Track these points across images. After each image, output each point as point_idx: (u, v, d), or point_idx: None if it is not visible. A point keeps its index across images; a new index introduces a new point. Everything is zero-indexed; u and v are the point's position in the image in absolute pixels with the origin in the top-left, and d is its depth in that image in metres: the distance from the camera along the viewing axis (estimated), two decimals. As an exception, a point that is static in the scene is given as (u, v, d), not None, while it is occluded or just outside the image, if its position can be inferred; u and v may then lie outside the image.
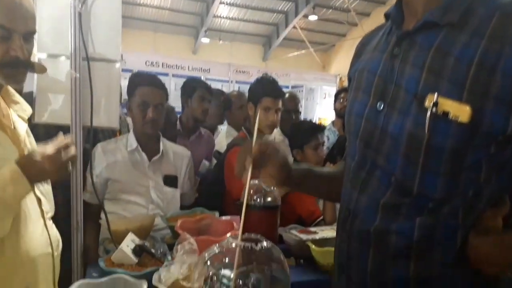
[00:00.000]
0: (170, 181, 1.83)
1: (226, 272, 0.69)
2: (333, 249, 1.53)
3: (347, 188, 0.80)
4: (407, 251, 0.68)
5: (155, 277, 1.18)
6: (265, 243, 0.73)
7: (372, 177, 0.73)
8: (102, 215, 1.78)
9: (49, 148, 0.93)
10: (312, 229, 1.80)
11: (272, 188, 1.53)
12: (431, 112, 0.64)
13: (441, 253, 0.67)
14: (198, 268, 0.73)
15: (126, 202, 1.74)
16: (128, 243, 1.33)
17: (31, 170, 0.92)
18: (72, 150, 0.98)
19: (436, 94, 0.63)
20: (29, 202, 1.02)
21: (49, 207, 1.12)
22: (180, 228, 1.41)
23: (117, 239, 1.41)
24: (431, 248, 0.67)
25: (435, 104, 0.63)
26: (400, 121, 0.68)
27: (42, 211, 1.07)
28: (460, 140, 0.63)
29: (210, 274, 0.70)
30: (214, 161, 2.40)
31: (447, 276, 0.67)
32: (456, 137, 0.63)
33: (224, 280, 0.68)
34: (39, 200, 1.06)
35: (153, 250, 1.38)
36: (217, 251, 0.73)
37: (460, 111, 0.62)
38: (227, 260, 0.71)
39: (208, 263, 0.72)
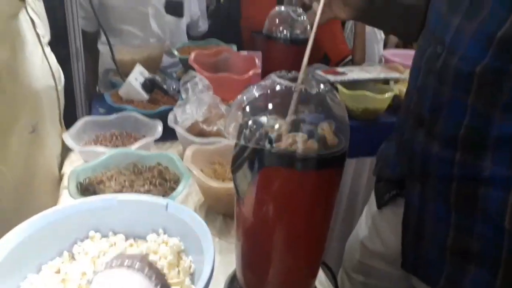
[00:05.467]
0: (173, 7, 1.56)
1: (268, 120, 0.52)
2: (365, 92, 1.39)
3: (441, 12, 0.58)
4: None
5: (170, 117, 1.04)
6: (322, 86, 0.54)
7: None
8: (100, 45, 1.58)
9: None
10: (339, 69, 1.61)
11: (301, 17, 1.28)
12: None
13: None
14: (231, 114, 0.56)
15: (122, 33, 1.52)
16: (137, 76, 1.15)
17: None
18: None
19: None
20: (24, 23, 0.82)
21: (44, 30, 0.93)
22: (195, 61, 1.22)
23: (122, 70, 1.23)
24: None
25: None
26: None
27: (37, 35, 0.87)
28: None
29: (250, 123, 0.53)
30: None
31: None
32: None
33: (265, 136, 0.52)
34: (32, 22, 0.86)
35: (165, 86, 1.22)
36: (256, 94, 0.55)
37: None
38: (270, 106, 0.53)
39: (247, 109, 0.54)
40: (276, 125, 0.53)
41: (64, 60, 1.35)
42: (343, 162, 0.54)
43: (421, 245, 0.63)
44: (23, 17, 0.82)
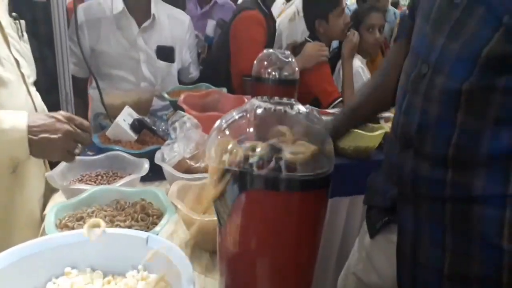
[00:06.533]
0: (165, 53, 1.58)
1: (248, 144, 0.51)
2: (355, 131, 1.40)
3: (425, 33, 0.59)
4: None
5: (157, 155, 1.03)
6: (301, 107, 0.54)
7: (470, 17, 0.51)
8: (90, 90, 1.60)
9: (66, 125, 0.79)
10: (330, 110, 1.63)
11: (289, 59, 1.31)
12: None
13: None
14: (211, 139, 0.55)
15: (114, 78, 1.54)
16: (125, 117, 1.15)
17: (36, 142, 0.76)
18: (87, 137, 0.82)
19: None
20: (6, 63, 0.83)
21: (29, 71, 0.94)
22: (184, 102, 1.23)
23: (112, 113, 1.23)
24: None
25: None
26: None
27: (22, 74, 0.88)
28: None
29: (230, 147, 0.52)
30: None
31: None
32: None
33: (247, 159, 0.51)
34: (16, 62, 0.87)
35: (154, 127, 1.22)
36: (237, 117, 0.54)
37: None
38: (251, 130, 0.53)
39: (227, 132, 0.53)
40: (257, 148, 0.51)
41: (54, 105, 1.36)
42: (328, 185, 0.52)
43: (417, 272, 0.60)
44: (6, 57, 0.83)
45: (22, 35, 0.97)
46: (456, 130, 0.53)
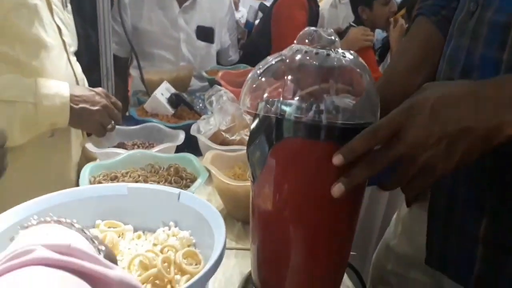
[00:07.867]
0: (204, 34, 1.58)
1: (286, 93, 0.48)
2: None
3: None
4: None
5: (193, 127, 1.02)
6: (348, 54, 0.50)
7: None
8: (131, 70, 1.62)
9: (104, 100, 0.85)
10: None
11: (332, 37, 1.26)
12: None
13: None
14: (246, 87, 0.51)
15: (154, 57, 1.55)
16: (163, 91, 1.15)
17: (76, 111, 0.81)
18: (119, 116, 0.89)
19: None
20: (49, 29, 0.84)
21: (71, 40, 0.95)
22: (222, 79, 1.21)
23: (151, 89, 1.24)
24: None
25: None
26: None
27: (63, 42, 0.89)
28: None
29: (266, 95, 0.49)
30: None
31: None
32: None
33: (284, 107, 0.47)
34: (59, 29, 0.88)
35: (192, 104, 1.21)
36: (274, 62, 0.51)
37: None
38: (289, 77, 0.49)
39: (263, 79, 0.50)
40: (296, 96, 0.48)
41: (95, 82, 1.39)
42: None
43: (449, 234, 0.54)
44: (49, 23, 0.84)
45: (66, 5, 0.98)
46: (502, 71, 0.47)
